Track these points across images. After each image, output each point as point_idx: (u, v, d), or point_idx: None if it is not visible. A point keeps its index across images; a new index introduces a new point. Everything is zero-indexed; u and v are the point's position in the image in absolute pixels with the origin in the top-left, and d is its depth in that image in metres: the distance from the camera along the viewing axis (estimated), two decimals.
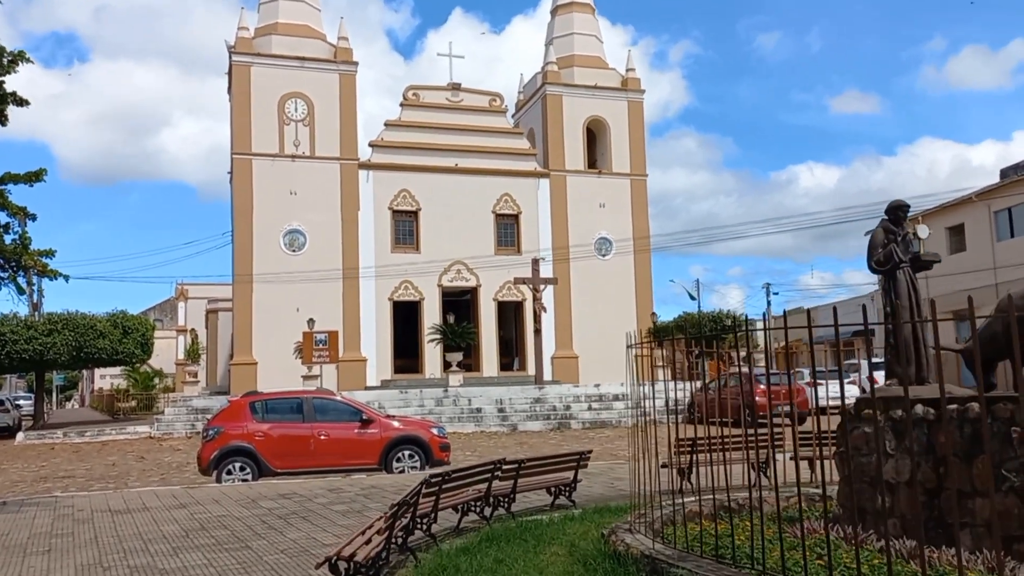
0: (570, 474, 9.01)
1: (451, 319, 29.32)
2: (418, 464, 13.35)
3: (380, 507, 9.79)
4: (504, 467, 7.85)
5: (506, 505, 8.24)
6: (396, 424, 13.57)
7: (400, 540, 6.33)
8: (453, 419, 22.63)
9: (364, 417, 13.27)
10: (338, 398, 13.99)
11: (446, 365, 29.35)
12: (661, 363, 24.41)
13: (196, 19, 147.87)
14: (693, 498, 7.28)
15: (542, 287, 28.32)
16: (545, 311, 28.56)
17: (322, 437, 13.02)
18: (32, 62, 26.49)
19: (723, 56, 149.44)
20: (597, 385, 24.63)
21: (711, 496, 7.16)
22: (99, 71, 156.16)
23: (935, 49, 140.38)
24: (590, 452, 9.41)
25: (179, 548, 7.81)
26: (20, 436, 25.77)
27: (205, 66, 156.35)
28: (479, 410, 23.39)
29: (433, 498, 6.74)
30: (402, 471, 13.23)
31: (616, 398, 24.00)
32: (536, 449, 18.24)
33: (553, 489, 9.03)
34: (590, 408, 23.37)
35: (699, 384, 26.31)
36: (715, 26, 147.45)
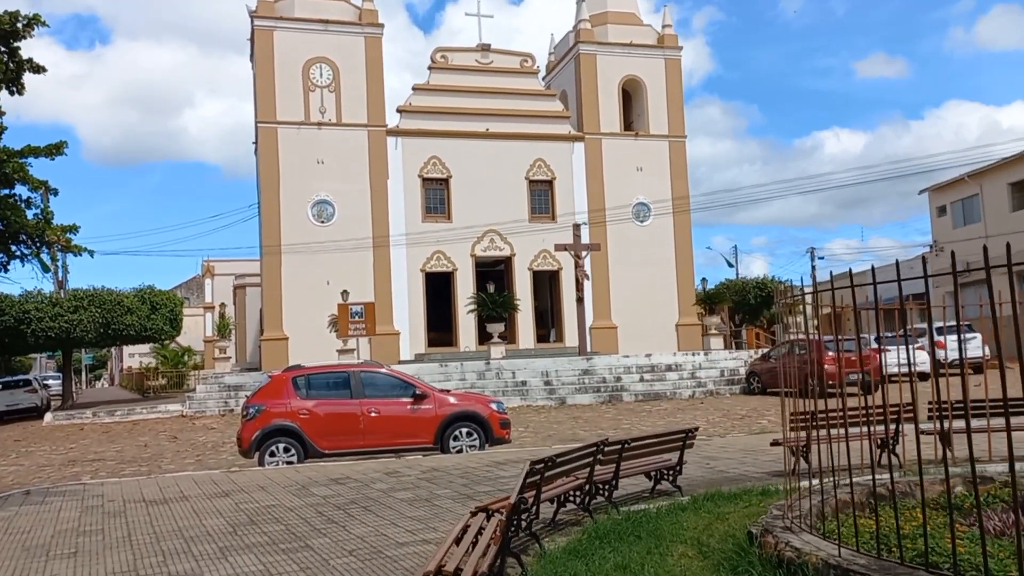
0: (673, 456, 7.76)
1: (491, 288, 28.06)
2: (477, 443, 12.17)
3: (449, 494, 8.62)
4: (606, 449, 6.61)
5: (606, 493, 7.02)
6: (452, 399, 12.36)
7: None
8: (497, 393, 21.45)
9: (417, 392, 12.08)
10: (383, 371, 12.78)
11: (486, 337, 28.13)
12: (714, 331, 23.13)
13: None
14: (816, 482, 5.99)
15: (584, 253, 26.97)
16: (588, 279, 27.26)
17: (372, 414, 11.85)
18: (47, 25, 25.18)
19: (746, 22, 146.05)
20: (648, 355, 23.37)
21: (845, 481, 5.94)
22: (120, 52, 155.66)
23: (964, 9, 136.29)
24: (696, 429, 8.14)
25: (227, 549, 6.67)
26: (48, 417, 24.99)
27: (225, 44, 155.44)
28: (524, 383, 22.22)
29: (534, 489, 5.51)
30: (460, 450, 12.05)
31: (669, 368, 22.72)
32: (593, 424, 17.04)
33: (654, 473, 7.79)
34: (642, 379, 22.12)
35: (759, 352, 25.15)
36: None
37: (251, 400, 12.11)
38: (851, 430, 8.20)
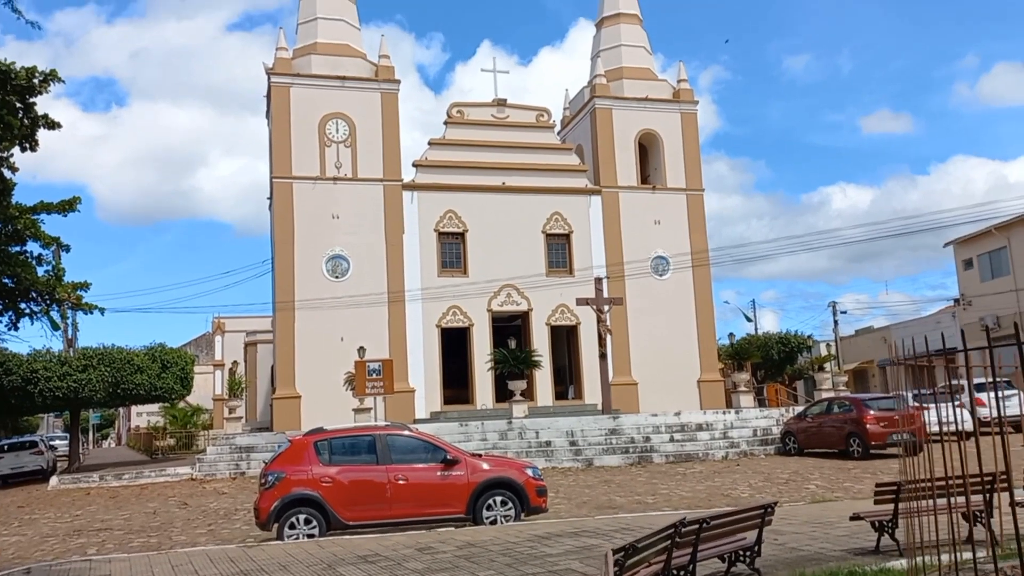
0: (749, 535, 6.92)
1: (512, 343, 27.28)
2: (512, 512, 11.29)
3: (491, 575, 7.75)
4: (683, 530, 5.80)
5: None
6: (484, 465, 11.51)
7: None
8: (520, 454, 20.54)
9: (448, 456, 11.26)
10: (409, 434, 11.95)
11: (503, 394, 27.25)
12: (743, 388, 22.23)
13: (230, 59, 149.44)
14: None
15: (606, 308, 26.25)
16: (611, 333, 26.47)
17: (400, 482, 11.01)
18: (63, 81, 25.01)
19: (753, 80, 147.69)
20: (677, 413, 22.43)
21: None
22: (137, 113, 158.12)
23: (967, 67, 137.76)
24: (775, 504, 7.28)
25: None
26: (54, 480, 24.10)
27: (240, 105, 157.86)
28: (548, 443, 21.28)
29: None
30: (494, 521, 11.18)
31: (700, 428, 21.76)
32: (627, 489, 16.09)
33: (728, 555, 6.94)
34: (672, 440, 21.15)
35: (795, 411, 24.16)
36: (744, 50, 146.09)
37: (270, 467, 11.29)
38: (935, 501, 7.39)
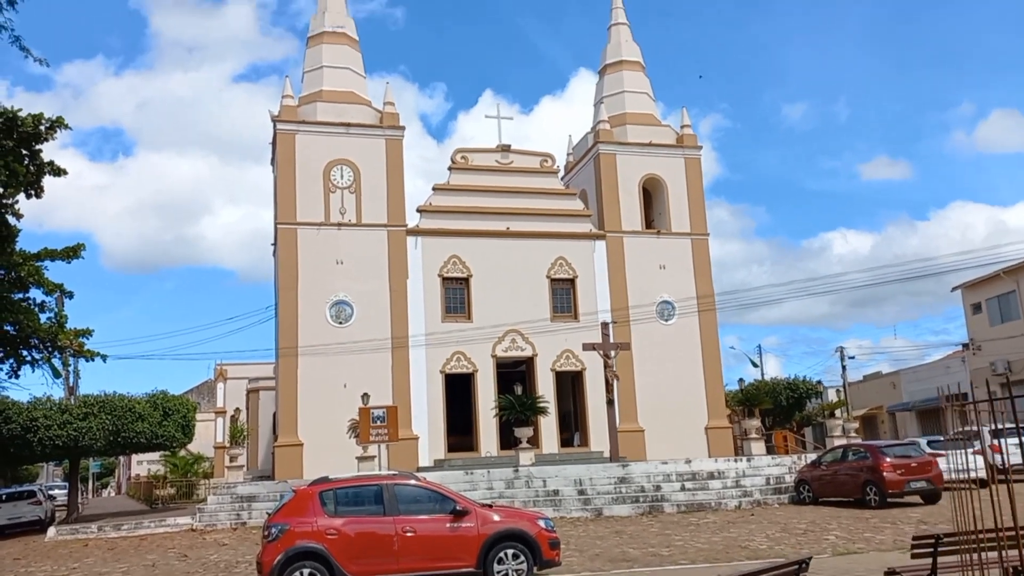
0: None
1: (519, 389, 26.96)
2: (524, 566, 10.90)
3: None
4: None
5: None
6: (495, 516, 11.15)
7: None
8: (528, 503, 20.11)
9: (457, 507, 10.92)
10: (417, 483, 11.60)
11: (508, 441, 26.81)
12: (754, 435, 21.84)
13: (235, 109, 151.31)
14: None
15: (613, 353, 25.96)
16: (618, 379, 26.13)
17: (407, 534, 10.66)
18: (69, 128, 25.03)
19: (751, 127, 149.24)
20: (688, 461, 22.01)
21: None
22: (142, 162, 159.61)
23: (964, 114, 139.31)
24: (809, 560, 6.95)
25: None
26: (52, 531, 23.59)
27: (244, 154, 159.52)
28: (556, 492, 20.83)
29: None
30: (505, 575, 10.80)
31: (711, 476, 21.30)
32: (640, 540, 15.65)
33: None
34: (683, 488, 20.68)
35: (805, 458, 23.66)
36: (741, 99, 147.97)
37: (273, 518, 10.95)
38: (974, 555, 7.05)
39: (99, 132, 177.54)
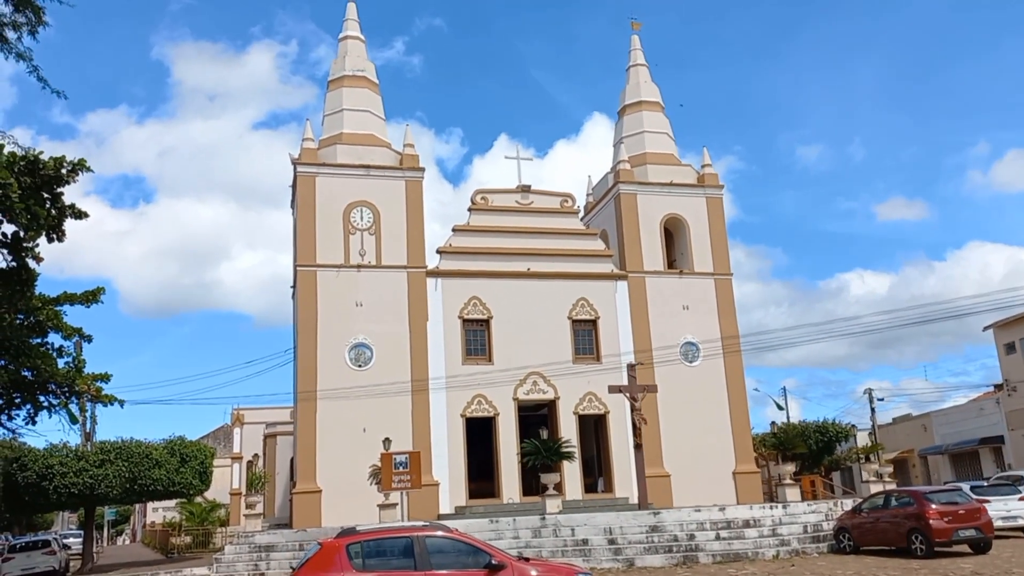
0: None
1: (544, 434, 26.28)
2: None
3: None
4: None
5: None
6: (533, 572, 10.49)
7: None
8: (555, 552, 19.36)
9: (493, 561, 10.29)
10: (449, 535, 10.98)
11: (531, 487, 26.05)
12: (789, 481, 21.05)
13: (254, 156, 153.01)
14: None
15: (641, 395, 25.30)
16: (646, 423, 25.42)
17: None
18: (91, 171, 24.88)
19: (766, 169, 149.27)
20: (722, 508, 21.20)
21: None
22: (163, 208, 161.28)
23: (980, 154, 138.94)
24: None
25: None
26: None
27: (263, 199, 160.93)
28: (585, 541, 20.05)
29: None
30: None
31: (747, 524, 20.47)
32: None
33: None
34: (718, 537, 19.84)
35: (841, 505, 22.75)
36: (756, 141, 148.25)
37: (298, 574, 10.37)
38: None
39: (121, 179, 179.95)
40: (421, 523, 11.06)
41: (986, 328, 36.55)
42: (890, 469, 26.43)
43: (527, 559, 10.87)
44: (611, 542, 19.98)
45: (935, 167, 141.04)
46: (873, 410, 38.36)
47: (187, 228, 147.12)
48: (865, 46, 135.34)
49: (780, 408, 46.39)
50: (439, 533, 10.70)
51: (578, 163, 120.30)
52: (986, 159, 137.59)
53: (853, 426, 38.23)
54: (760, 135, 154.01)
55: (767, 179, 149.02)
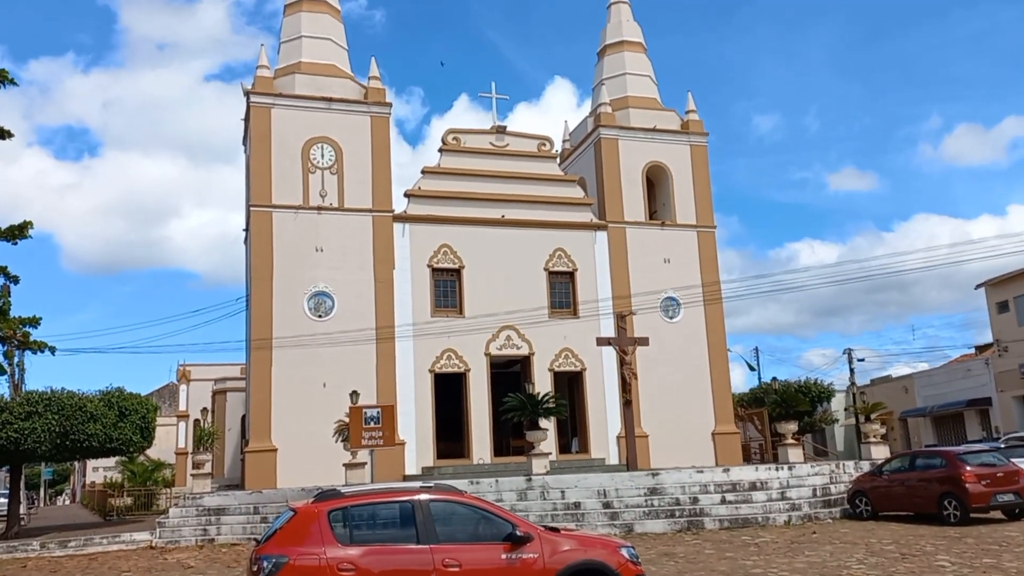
0: None
1: (531, 388, 24.17)
2: None
3: None
4: None
5: None
6: (565, 544, 8.34)
7: None
8: (544, 517, 17.32)
9: (518, 532, 8.11)
10: (458, 499, 8.71)
11: (525, 448, 23.87)
12: (790, 440, 19.20)
13: (205, 109, 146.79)
14: None
15: (631, 348, 23.30)
16: (636, 378, 23.48)
17: (451, 569, 7.85)
18: (16, 84, 21.64)
19: (720, 138, 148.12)
20: (726, 470, 19.36)
21: None
22: (109, 162, 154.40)
23: (931, 128, 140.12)
24: None
25: None
26: None
27: (214, 156, 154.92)
28: (577, 505, 18.08)
29: None
30: None
31: (753, 487, 18.70)
32: (702, 565, 12.96)
33: None
34: (724, 501, 18.03)
35: (847, 467, 21.20)
36: (712, 109, 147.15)
37: (265, 548, 8.01)
38: None
39: (65, 130, 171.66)
40: (420, 485, 8.77)
41: (978, 286, 35.36)
42: (883, 430, 24.94)
43: (556, 529, 8.73)
44: (606, 506, 18.04)
45: (887, 139, 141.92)
46: (852, 370, 37.11)
47: (134, 183, 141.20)
48: (820, 11, 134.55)
49: (752, 369, 45.15)
50: (446, 496, 8.44)
51: (540, 127, 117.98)
52: (937, 132, 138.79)
53: (831, 384, 37.02)
54: (715, 104, 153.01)
55: (721, 148, 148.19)
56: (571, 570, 8.05)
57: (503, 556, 8.02)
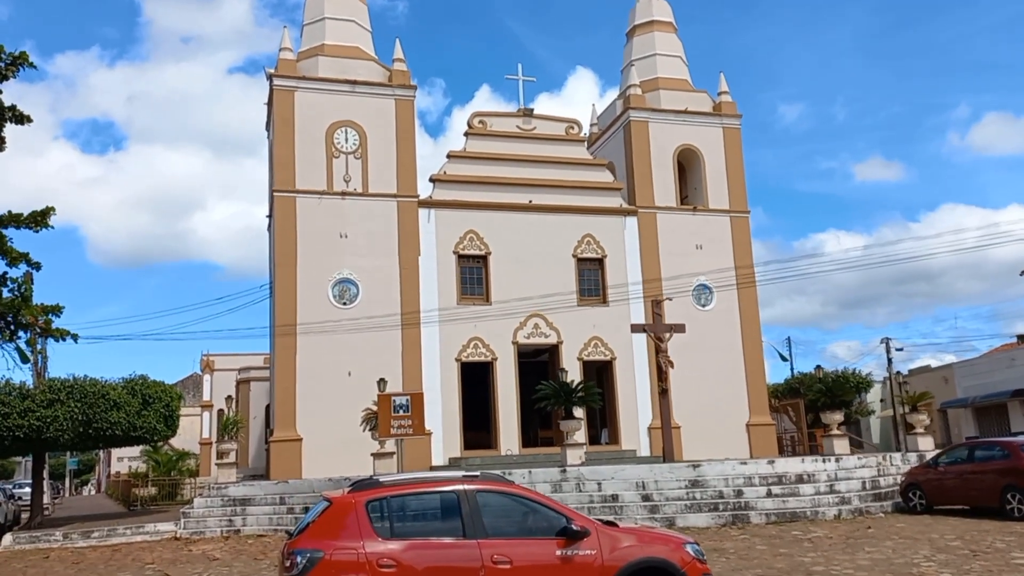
0: None
1: (563, 376, 23.42)
2: None
3: None
4: None
5: None
6: (625, 540, 7.62)
7: None
8: (580, 510, 16.55)
9: (574, 527, 7.40)
10: (506, 489, 7.98)
11: (531, 438, 23.25)
12: (837, 431, 18.29)
13: (230, 102, 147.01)
14: None
15: (667, 335, 22.48)
16: (673, 366, 22.65)
17: (501, 566, 7.14)
18: (35, 67, 21.05)
19: (746, 128, 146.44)
20: (771, 462, 18.54)
21: None
22: (134, 156, 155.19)
23: (959, 116, 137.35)
24: None
25: None
26: (7, 539, 19.88)
27: (238, 148, 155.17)
28: (615, 497, 17.34)
29: None
30: None
31: (801, 479, 17.86)
32: (759, 563, 12.17)
33: None
34: (770, 494, 17.21)
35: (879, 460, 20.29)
36: (736, 99, 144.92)
37: (298, 542, 7.35)
38: None
39: (90, 124, 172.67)
40: (463, 474, 8.05)
41: (1023, 273, 34.18)
42: (927, 421, 23.94)
43: (614, 524, 8.01)
44: (645, 498, 17.27)
45: (914, 128, 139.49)
46: (890, 360, 36.03)
47: (159, 177, 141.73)
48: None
49: (784, 359, 44.15)
50: (494, 486, 7.72)
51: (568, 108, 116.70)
52: (965, 122, 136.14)
53: (870, 375, 36.02)
54: (741, 93, 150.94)
55: (747, 138, 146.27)
56: (631, 568, 7.30)
57: (557, 552, 7.29)
